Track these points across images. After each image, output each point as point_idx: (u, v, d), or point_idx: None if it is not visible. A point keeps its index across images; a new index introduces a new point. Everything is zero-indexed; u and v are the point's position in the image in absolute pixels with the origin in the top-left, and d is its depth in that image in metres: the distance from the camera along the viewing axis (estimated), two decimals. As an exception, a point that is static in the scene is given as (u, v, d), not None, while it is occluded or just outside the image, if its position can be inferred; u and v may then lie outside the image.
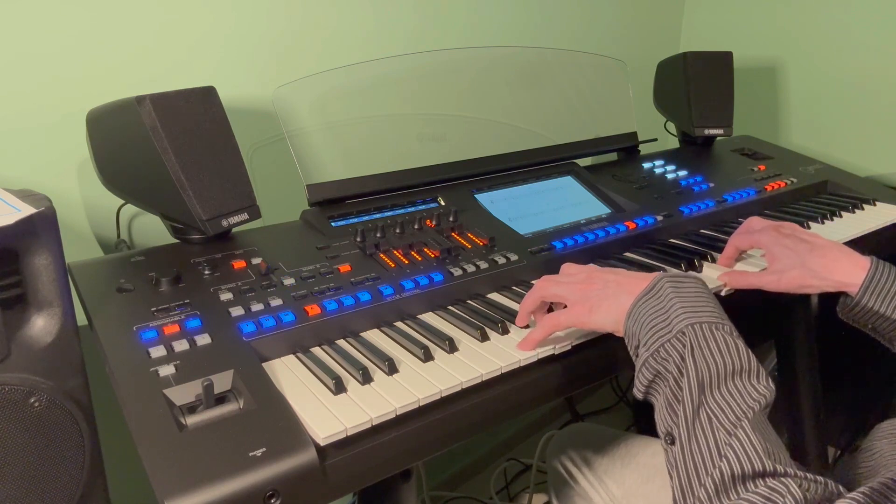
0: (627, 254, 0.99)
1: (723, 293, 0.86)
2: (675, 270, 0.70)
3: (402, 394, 0.62)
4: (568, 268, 0.75)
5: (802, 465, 0.52)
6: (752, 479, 0.49)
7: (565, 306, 0.70)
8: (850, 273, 0.78)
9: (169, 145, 0.77)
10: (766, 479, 0.48)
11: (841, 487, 0.48)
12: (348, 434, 0.57)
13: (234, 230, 0.86)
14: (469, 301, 0.82)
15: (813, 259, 0.81)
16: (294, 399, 0.60)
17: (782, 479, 0.48)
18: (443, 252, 0.87)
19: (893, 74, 1.45)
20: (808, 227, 1.06)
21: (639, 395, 0.61)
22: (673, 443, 0.55)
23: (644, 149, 1.36)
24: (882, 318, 0.76)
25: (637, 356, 0.60)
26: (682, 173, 1.26)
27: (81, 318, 0.66)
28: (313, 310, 0.72)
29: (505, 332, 0.74)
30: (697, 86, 1.39)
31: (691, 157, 1.38)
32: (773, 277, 0.83)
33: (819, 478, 0.48)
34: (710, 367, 0.54)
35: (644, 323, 0.60)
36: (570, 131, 1.30)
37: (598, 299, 0.67)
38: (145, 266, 0.77)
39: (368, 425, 0.59)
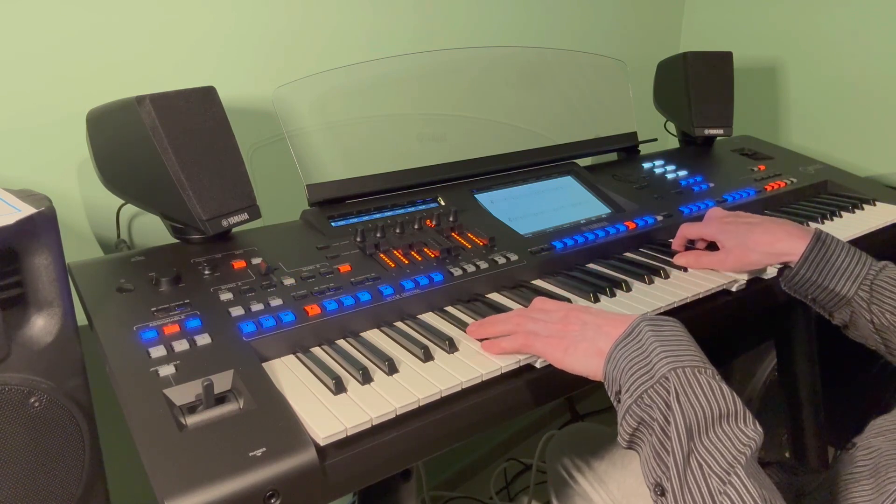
0: (627, 254, 0.99)
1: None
2: (651, 313, 0.71)
3: (402, 394, 0.62)
4: (543, 303, 0.72)
5: (802, 465, 0.52)
6: None
7: None
8: (785, 244, 0.82)
9: (169, 145, 0.77)
10: None
11: None
12: (348, 434, 0.57)
13: (234, 230, 0.86)
14: (469, 301, 0.82)
15: (754, 235, 0.85)
16: (294, 399, 0.60)
17: None
18: (443, 252, 0.87)
19: (893, 74, 1.45)
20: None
21: (623, 444, 0.58)
22: (663, 494, 0.53)
23: (644, 149, 1.36)
24: (821, 288, 0.79)
25: (619, 402, 0.58)
26: (682, 173, 1.26)
27: (81, 318, 0.66)
28: (313, 310, 0.72)
29: (505, 332, 0.73)
30: (697, 86, 1.39)
31: (691, 157, 1.38)
32: (720, 257, 0.88)
33: None
34: (697, 413, 0.52)
35: (624, 369, 0.58)
36: (570, 131, 1.30)
37: (574, 340, 0.64)
38: (145, 266, 0.77)
39: (368, 425, 0.59)
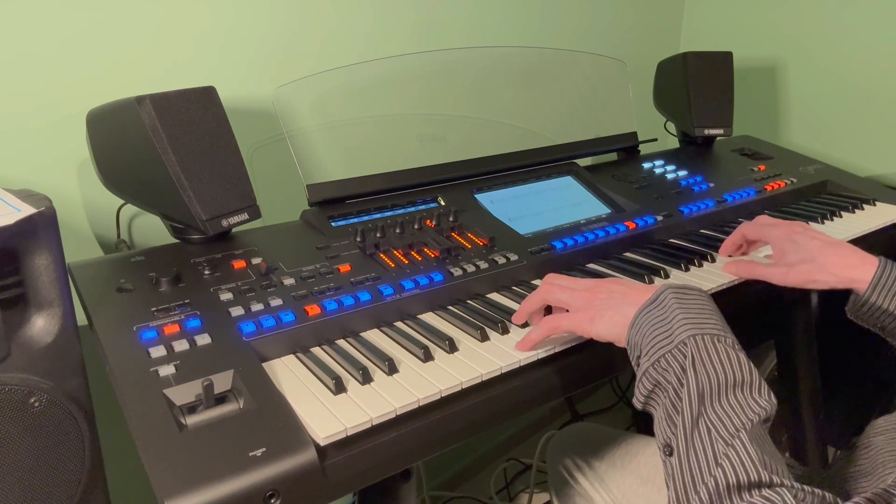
0: (627, 254, 0.99)
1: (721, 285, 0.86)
2: (675, 279, 0.71)
3: (402, 394, 0.62)
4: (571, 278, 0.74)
5: (802, 465, 0.52)
6: (747, 489, 0.48)
7: (566, 311, 0.70)
8: (859, 270, 0.78)
9: (169, 145, 0.77)
10: (762, 490, 0.48)
11: (838, 499, 0.48)
12: (348, 434, 0.57)
13: (234, 230, 0.86)
14: (469, 301, 0.82)
15: (823, 255, 0.81)
16: (294, 399, 0.60)
17: (778, 489, 0.47)
18: (443, 252, 0.87)
19: (893, 74, 1.45)
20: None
21: (638, 405, 0.60)
22: (671, 454, 0.54)
23: (644, 149, 1.36)
24: (891, 316, 0.76)
25: (638, 366, 0.60)
26: (682, 173, 1.26)
27: (81, 318, 0.66)
28: (313, 310, 0.72)
29: (505, 332, 0.74)
30: (697, 86, 1.39)
31: (691, 157, 1.38)
32: (782, 270, 0.83)
33: (816, 490, 0.47)
34: (711, 379, 0.54)
35: (646, 333, 0.60)
36: (570, 131, 1.30)
37: (601, 308, 0.66)
38: (145, 266, 0.77)
39: (368, 425, 0.59)
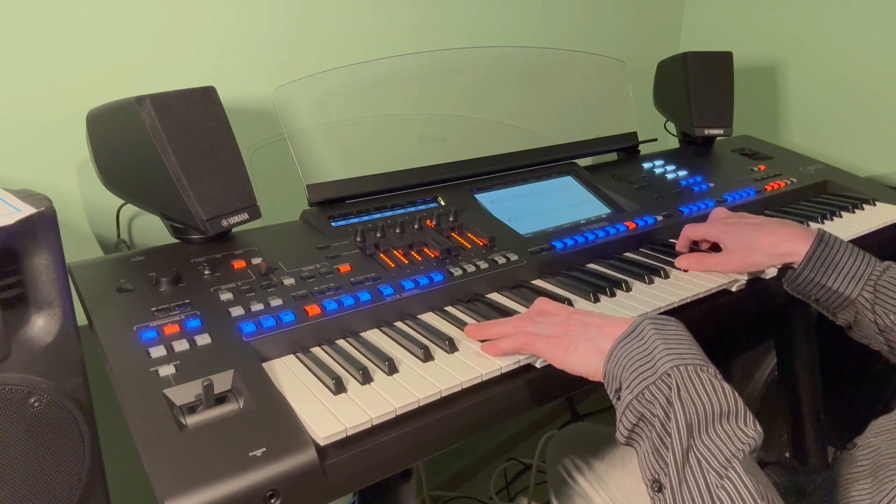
0: (627, 254, 0.99)
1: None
2: (654, 313, 0.71)
3: (402, 394, 0.62)
4: (544, 303, 0.73)
5: (802, 465, 0.52)
6: None
7: None
8: (789, 244, 0.82)
9: (169, 145, 0.77)
10: None
11: None
12: (348, 434, 0.57)
13: (234, 230, 0.86)
14: (469, 301, 0.82)
15: (757, 237, 0.85)
16: (294, 399, 0.60)
17: None
18: (443, 252, 0.87)
19: (893, 74, 1.45)
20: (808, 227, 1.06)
21: (621, 440, 0.58)
22: (660, 490, 0.53)
23: (644, 149, 1.36)
24: (825, 289, 0.79)
25: (619, 399, 0.58)
26: (682, 173, 1.26)
27: (81, 318, 0.66)
28: (313, 310, 0.72)
29: (505, 332, 0.73)
30: (697, 86, 1.39)
31: (691, 157, 1.38)
32: (722, 258, 0.88)
33: None
34: (699, 409, 0.53)
35: (626, 365, 0.58)
36: (570, 131, 1.30)
37: (575, 340, 0.64)
38: (145, 266, 0.77)
39: (368, 425, 0.59)
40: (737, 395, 0.55)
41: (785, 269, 0.85)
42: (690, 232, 0.95)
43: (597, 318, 0.66)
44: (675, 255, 0.95)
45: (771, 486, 0.51)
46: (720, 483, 0.49)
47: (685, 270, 0.91)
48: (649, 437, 0.55)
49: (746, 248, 0.86)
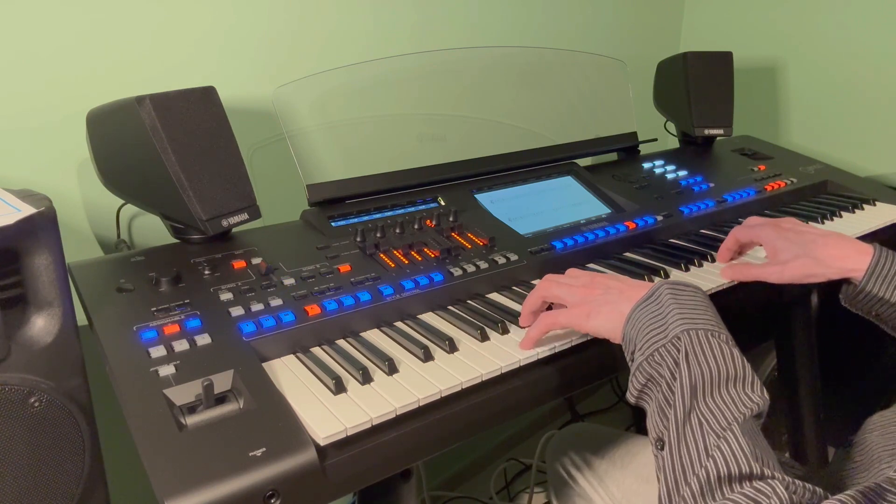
0: (627, 254, 0.99)
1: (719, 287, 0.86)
2: (675, 279, 0.70)
3: (402, 394, 0.62)
4: (572, 271, 0.76)
5: (802, 465, 0.52)
6: (738, 481, 0.48)
7: (565, 307, 0.70)
8: (854, 259, 0.78)
9: (169, 145, 0.77)
10: (753, 481, 0.48)
11: (828, 493, 0.47)
12: (348, 434, 0.57)
13: (234, 230, 0.86)
14: (469, 301, 0.82)
15: (815, 248, 0.80)
16: (294, 399, 0.60)
17: (769, 481, 0.47)
18: (443, 252, 0.87)
19: (893, 74, 1.45)
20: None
21: (631, 400, 0.60)
22: (662, 448, 0.54)
23: (644, 149, 1.36)
24: (886, 304, 0.76)
25: (632, 360, 0.60)
26: (682, 173, 1.26)
27: (81, 318, 0.66)
28: (313, 310, 0.72)
29: (505, 332, 0.74)
30: (697, 86, 1.39)
31: (691, 157, 1.38)
32: (776, 268, 0.83)
33: (807, 484, 0.48)
34: (704, 373, 0.54)
35: (641, 328, 0.60)
36: (570, 131, 1.30)
37: (597, 304, 0.67)
38: (145, 266, 0.77)
39: (368, 425, 0.59)
40: (745, 360, 0.56)
41: (840, 283, 0.80)
42: (740, 233, 0.90)
43: (619, 283, 0.69)
44: (676, 255, 0.95)
45: (770, 452, 0.51)
46: (717, 443, 0.50)
47: (686, 269, 0.90)
48: (656, 398, 0.57)
49: (808, 258, 0.80)
